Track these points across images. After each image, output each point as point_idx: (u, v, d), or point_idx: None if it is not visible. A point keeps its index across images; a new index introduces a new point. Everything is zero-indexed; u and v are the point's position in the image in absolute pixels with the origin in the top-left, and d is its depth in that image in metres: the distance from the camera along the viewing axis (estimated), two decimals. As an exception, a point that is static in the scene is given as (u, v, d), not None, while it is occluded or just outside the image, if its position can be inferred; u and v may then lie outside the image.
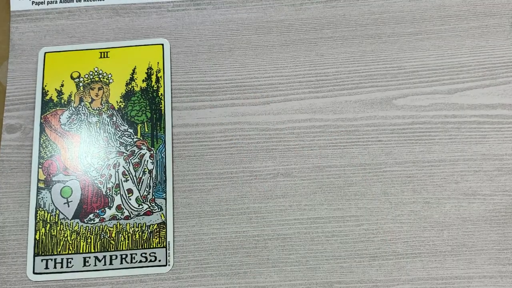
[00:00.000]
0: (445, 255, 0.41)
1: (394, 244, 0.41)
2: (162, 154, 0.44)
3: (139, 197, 0.43)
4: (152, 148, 0.44)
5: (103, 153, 0.44)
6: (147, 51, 0.47)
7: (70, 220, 0.43)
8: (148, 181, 0.43)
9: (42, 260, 0.42)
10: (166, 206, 0.43)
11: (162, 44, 0.47)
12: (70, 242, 0.42)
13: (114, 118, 0.45)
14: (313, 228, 0.42)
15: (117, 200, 0.43)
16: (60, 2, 0.49)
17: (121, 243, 0.42)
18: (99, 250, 0.42)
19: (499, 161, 0.43)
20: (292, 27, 0.47)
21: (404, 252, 0.41)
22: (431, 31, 0.46)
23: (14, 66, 0.47)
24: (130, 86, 0.46)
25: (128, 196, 0.43)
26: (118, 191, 0.43)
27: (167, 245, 0.42)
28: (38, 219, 0.43)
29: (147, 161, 0.44)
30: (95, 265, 0.42)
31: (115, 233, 0.42)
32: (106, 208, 0.43)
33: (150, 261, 0.42)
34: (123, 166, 0.44)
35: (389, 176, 0.43)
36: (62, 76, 0.46)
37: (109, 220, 0.43)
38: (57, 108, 0.46)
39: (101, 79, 0.46)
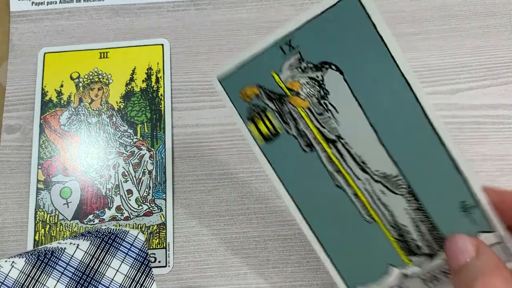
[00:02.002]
0: (446, 256, 0.40)
1: (394, 245, 0.41)
2: (162, 155, 0.44)
3: (139, 197, 0.43)
4: (152, 149, 0.44)
5: (103, 154, 0.44)
6: (147, 51, 0.47)
7: (70, 221, 0.43)
8: (148, 182, 0.43)
9: (41, 261, 0.42)
10: (166, 207, 0.43)
11: (162, 45, 0.47)
12: (70, 243, 0.42)
13: (114, 118, 0.45)
14: (314, 229, 0.42)
15: (117, 201, 0.43)
16: (60, 2, 0.49)
17: (121, 244, 0.42)
18: (98, 251, 0.42)
19: (500, 162, 0.43)
20: (292, 27, 0.47)
21: (405, 253, 0.41)
22: (432, 31, 0.46)
23: (13, 67, 0.47)
24: (129, 87, 0.46)
25: (128, 197, 0.43)
26: (118, 192, 0.43)
27: (167, 246, 0.42)
28: (37, 220, 0.43)
29: (147, 161, 0.44)
30: (95, 266, 0.42)
31: (115, 234, 0.42)
32: (105, 209, 0.43)
33: (150, 262, 0.41)
34: (122, 167, 0.44)
35: (389, 176, 0.43)
36: (61, 77, 0.46)
37: (109, 221, 0.43)
38: (57, 109, 0.45)
39: (101, 79, 0.46)
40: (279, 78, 0.31)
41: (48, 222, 0.43)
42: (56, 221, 0.43)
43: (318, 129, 0.31)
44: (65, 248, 0.33)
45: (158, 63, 0.46)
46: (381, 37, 0.31)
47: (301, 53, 0.30)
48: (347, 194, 0.31)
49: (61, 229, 0.42)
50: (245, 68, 0.31)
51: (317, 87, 0.31)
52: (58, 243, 0.34)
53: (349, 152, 0.31)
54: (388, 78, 0.30)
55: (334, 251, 0.32)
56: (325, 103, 0.31)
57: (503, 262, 0.29)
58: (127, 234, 0.33)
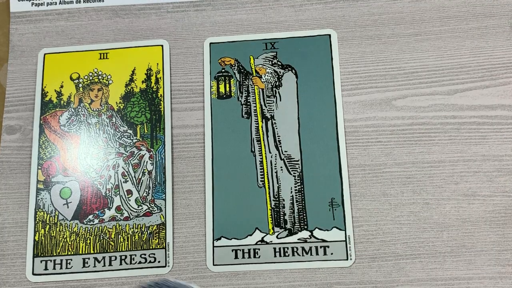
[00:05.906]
0: (445, 256, 0.41)
1: (393, 245, 0.41)
2: (162, 155, 0.44)
3: (139, 198, 0.43)
4: (152, 149, 0.44)
5: (103, 154, 0.44)
6: (146, 52, 0.47)
7: (70, 221, 0.43)
8: (148, 182, 0.43)
9: (41, 261, 0.42)
10: (165, 207, 0.43)
11: (162, 45, 0.47)
12: (70, 243, 0.42)
13: (114, 119, 0.45)
14: (313, 229, 0.42)
15: (117, 201, 0.43)
16: (60, 3, 0.49)
17: (121, 244, 0.42)
18: (98, 251, 0.42)
19: (499, 162, 0.43)
20: (292, 28, 0.47)
21: (403, 253, 0.41)
22: (430, 32, 0.46)
23: (14, 68, 0.47)
24: (129, 87, 0.46)
25: (128, 197, 0.43)
26: (118, 192, 0.43)
27: (167, 246, 0.42)
28: (37, 220, 0.43)
29: (147, 162, 0.44)
30: (95, 266, 0.42)
31: (115, 234, 0.42)
32: (105, 209, 0.43)
33: (150, 262, 0.41)
34: (122, 167, 0.44)
35: (388, 177, 0.43)
36: (61, 77, 0.46)
37: (109, 221, 0.43)
38: (57, 109, 0.46)
39: (101, 80, 0.46)
40: (254, 61, 0.45)
41: (48, 222, 0.43)
42: (56, 221, 0.43)
43: (261, 106, 0.43)
44: None
45: (157, 64, 0.46)
46: (332, 67, 0.44)
47: (277, 53, 0.45)
48: (255, 159, 0.42)
49: (60, 229, 0.42)
50: (234, 44, 0.46)
51: (276, 78, 0.44)
52: None
53: (273, 130, 0.43)
54: (324, 93, 0.44)
55: (220, 203, 0.42)
56: (275, 91, 0.44)
57: None
58: None
